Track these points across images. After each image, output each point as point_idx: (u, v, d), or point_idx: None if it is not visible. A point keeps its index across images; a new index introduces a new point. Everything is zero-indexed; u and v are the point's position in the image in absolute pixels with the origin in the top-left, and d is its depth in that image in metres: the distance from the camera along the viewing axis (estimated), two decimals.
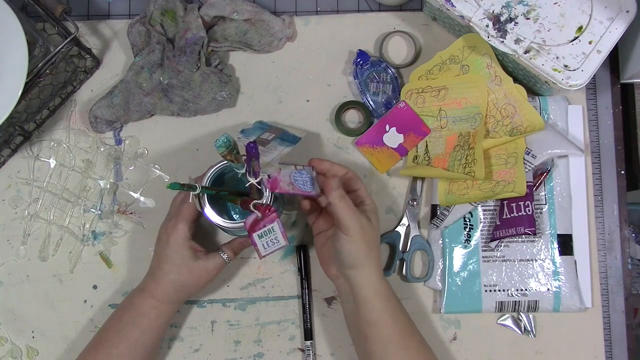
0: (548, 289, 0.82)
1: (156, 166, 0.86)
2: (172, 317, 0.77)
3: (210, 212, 0.73)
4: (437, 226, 0.83)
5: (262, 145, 0.76)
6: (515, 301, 0.82)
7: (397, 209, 0.85)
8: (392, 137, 0.84)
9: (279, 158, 0.73)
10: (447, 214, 0.83)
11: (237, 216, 0.79)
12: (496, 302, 0.82)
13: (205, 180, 0.73)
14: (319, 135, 0.86)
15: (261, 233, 0.70)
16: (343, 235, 0.71)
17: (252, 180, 0.68)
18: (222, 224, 0.72)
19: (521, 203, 0.80)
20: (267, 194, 0.70)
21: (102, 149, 0.85)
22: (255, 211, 0.69)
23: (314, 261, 0.84)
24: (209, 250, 0.77)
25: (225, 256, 0.76)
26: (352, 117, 0.87)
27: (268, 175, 0.70)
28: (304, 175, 0.73)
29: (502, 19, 0.77)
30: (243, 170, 0.72)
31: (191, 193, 0.68)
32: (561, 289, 0.82)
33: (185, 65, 0.81)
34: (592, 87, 0.87)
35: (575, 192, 0.84)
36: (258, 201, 0.69)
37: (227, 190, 0.73)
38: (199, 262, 0.74)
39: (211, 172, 0.73)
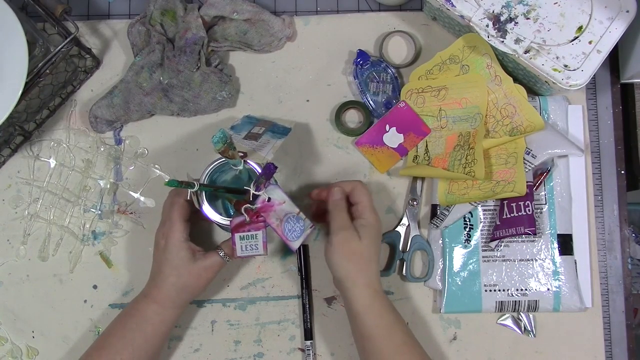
0: (548, 289, 0.82)
1: (156, 166, 0.86)
2: (175, 322, 0.77)
3: (208, 210, 0.73)
4: (437, 226, 0.83)
5: (254, 139, 0.76)
6: (515, 301, 0.82)
7: (397, 209, 0.85)
8: (392, 137, 0.84)
9: (273, 151, 0.73)
10: (447, 213, 0.83)
11: (234, 213, 0.80)
12: (496, 302, 0.82)
13: (202, 178, 0.73)
14: (319, 135, 0.86)
15: (243, 235, 0.71)
16: (328, 245, 0.72)
17: (252, 190, 0.69)
18: (220, 221, 0.73)
19: (521, 203, 0.80)
20: (254, 207, 0.71)
21: (102, 149, 0.85)
22: (245, 215, 0.70)
23: (314, 261, 0.84)
24: (206, 249, 0.77)
25: (223, 254, 0.75)
26: (352, 117, 0.87)
27: (269, 197, 0.70)
28: (299, 224, 0.72)
29: (502, 18, 0.77)
30: (241, 167, 0.72)
31: (189, 190, 0.68)
32: (561, 289, 0.82)
33: (185, 65, 0.81)
34: (592, 87, 0.87)
35: (575, 192, 0.84)
36: (251, 206, 0.70)
37: (224, 188, 0.73)
38: (198, 262, 0.74)
39: (209, 169, 0.73)
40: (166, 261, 0.74)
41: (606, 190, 0.86)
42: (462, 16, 0.77)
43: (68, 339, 0.83)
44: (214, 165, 0.74)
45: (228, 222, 0.72)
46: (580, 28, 0.76)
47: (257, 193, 0.69)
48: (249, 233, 0.71)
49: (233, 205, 0.72)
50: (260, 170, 0.72)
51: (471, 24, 0.77)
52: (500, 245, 0.83)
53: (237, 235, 0.71)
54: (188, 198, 0.73)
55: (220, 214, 0.73)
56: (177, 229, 0.73)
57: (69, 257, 0.84)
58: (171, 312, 0.75)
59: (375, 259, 0.74)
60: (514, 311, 0.83)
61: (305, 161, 0.86)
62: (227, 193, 0.73)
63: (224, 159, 0.72)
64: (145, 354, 0.74)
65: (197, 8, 0.82)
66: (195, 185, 0.67)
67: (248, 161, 0.73)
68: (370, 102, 0.85)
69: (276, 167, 0.70)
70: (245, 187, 0.70)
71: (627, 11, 0.76)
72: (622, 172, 0.86)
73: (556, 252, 0.82)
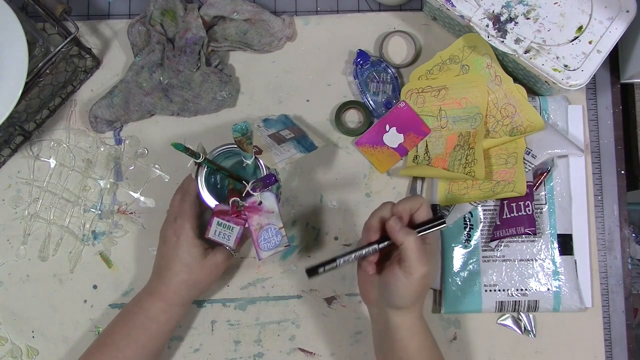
0: (548, 289, 0.82)
1: (156, 166, 0.86)
2: (180, 320, 0.77)
3: (202, 187, 0.73)
4: None
5: (277, 141, 0.75)
6: (515, 301, 0.82)
7: None
8: (392, 137, 0.84)
9: (288, 162, 0.73)
10: (447, 213, 0.83)
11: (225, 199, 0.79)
12: (496, 302, 0.82)
13: (210, 153, 0.73)
14: (319, 135, 0.86)
15: (221, 222, 0.71)
16: (402, 277, 0.65)
17: (248, 188, 0.69)
18: (209, 202, 0.73)
19: (521, 203, 0.80)
20: (240, 204, 0.70)
21: (102, 149, 0.85)
22: (229, 207, 0.70)
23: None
24: (212, 245, 0.77)
25: (230, 249, 0.75)
26: (352, 117, 0.87)
27: (260, 202, 0.71)
28: (275, 238, 0.72)
29: (502, 18, 0.77)
30: (249, 161, 0.72)
31: (192, 160, 0.68)
32: (561, 289, 0.82)
33: (185, 65, 0.81)
34: (592, 87, 0.87)
35: (575, 192, 0.84)
36: (239, 201, 0.70)
37: (227, 170, 0.73)
38: (208, 258, 0.74)
39: (220, 149, 0.74)
40: (177, 258, 0.73)
41: (606, 190, 0.86)
42: (462, 16, 0.77)
43: (68, 339, 0.83)
44: (226, 148, 0.74)
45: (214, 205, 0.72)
46: (580, 28, 0.76)
47: (251, 193, 0.69)
48: (228, 223, 0.71)
49: (227, 191, 0.72)
50: (257, 180, 0.73)
51: (471, 24, 0.77)
52: (500, 245, 0.83)
53: (216, 219, 0.71)
54: (188, 165, 0.72)
55: (213, 197, 0.73)
56: (190, 226, 0.74)
57: (69, 257, 0.84)
58: (177, 309, 0.75)
59: (425, 292, 0.69)
60: (514, 311, 0.83)
61: (306, 161, 0.85)
62: (228, 176, 0.73)
63: (237, 147, 0.72)
64: (149, 352, 0.74)
65: (197, 8, 0.82)
66: (200, 157, 0.67)
67: (259, 160, 0.73)
68: (370, 102, 0.85)
69: (277, 180, 0.70)
70: (244, 182, 0.70)
71: (627, 11, 0.76)
72: (622, 172, 0.86)
73: (556, 252, 0.82)
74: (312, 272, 0.67)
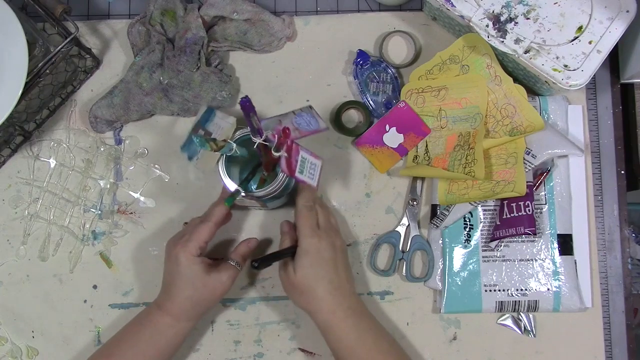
0: (548, 289, 0.82)
1: (156, 166, 0.86)
2: (188, 335, 0.76)
3: (229, 183, 0.73)
4: (437, 226, 0.83)
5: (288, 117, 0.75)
6: (515, 301, 0.82)
7: (397, 209, 0.85)
8: (392, 137, 0.84)
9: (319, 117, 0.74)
10: (447, 213, 0.83)
11: (258, 185, 0.76)
12: (496, 302, 0.82)
13: (234, 141, 0.72)
14: (319, 134, 0.86)
15: (299, 169, 0.69)
16: (281, 272, 0.75)
17: (259, 140, 0.68)
18: (258, 193, 0.72)
19: (521, 203, 0.80)
20: (274, 143, 0.68)
21: (102, 149, 0.85)
22: (282, 153, 0.67)
23: None
24: (218, 261, 0.76)
25: (235, 264, 0.76)
26: (352, 117, 0.87)
27: (272, 132, 0.69)
28: (305, 115, 0.72)
29: (502, 18, 0.77)
30: (234, 149, 0.71)
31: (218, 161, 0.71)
32: (561, 289, 0.82)
33: (185, 65, 0.81)
34: (592, 87, 0.87)
35: (575, 192, 0.84)
36: (270, 142, 0.69)
37: (254, 168, 0.75)
38: (212, 275, 0.74)
39: (239, 135, 0.73)
40: (179, 275, 0.73)
41: (606, 190, 0.86)
42: (462, 16, 0.77)
43: (68, 339, 0.83)
44: (242, 134, 0.73)
45: (263, 192, 0.71)
46: (580, 28, 0.76)
47: (263, 137, 0.69)
48: (299, 163, 0.69)
49: (265, 170, 0.73)
50: (248, 120, 0.70)
51: (471, 24, 0.77)
52: (500, 245, 0.83)
53: (297, 174, 0.68)
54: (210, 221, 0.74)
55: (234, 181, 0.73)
56: (192, 247, 0.73)
57: (69, 257, 0.84)
58: (185, 325, 0.75)
59: (318, 285, 0.73)
60: (514, 311, 0.83)
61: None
62: (259, 169, 0.74)
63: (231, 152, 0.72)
64: None
65: (197, 8, 0.82)
66: (240, 191, 0.71)
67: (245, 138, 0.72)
68: (370, 102, 0.85)
69: (248, 98, 0.67)
70: (260, 161, 0.72)
71: (627, 11, 0.76)
72: (622, 172, 0.86)
73: (556, 252, 0.82)
74: (262, 263, 0.74)
